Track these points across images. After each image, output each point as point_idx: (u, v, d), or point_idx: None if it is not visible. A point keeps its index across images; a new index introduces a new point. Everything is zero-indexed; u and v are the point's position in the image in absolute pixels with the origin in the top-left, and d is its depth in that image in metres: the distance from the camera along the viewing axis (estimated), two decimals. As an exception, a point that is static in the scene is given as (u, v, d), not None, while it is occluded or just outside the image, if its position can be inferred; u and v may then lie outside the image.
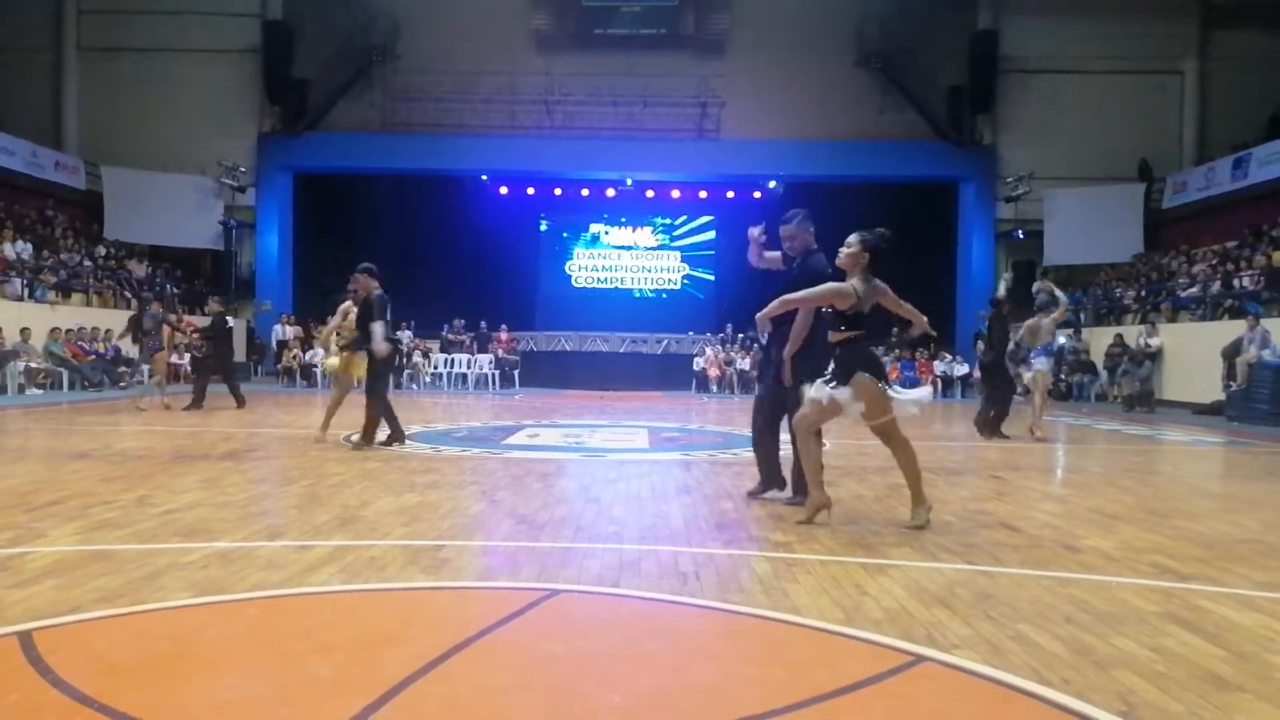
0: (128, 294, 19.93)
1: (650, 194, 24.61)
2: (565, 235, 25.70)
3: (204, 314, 14.16)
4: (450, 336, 21.36)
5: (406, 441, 8.34)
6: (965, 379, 19.97)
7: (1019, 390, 10.92)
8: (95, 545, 4.12)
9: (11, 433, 9.58)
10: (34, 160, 20.11)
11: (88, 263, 19.59)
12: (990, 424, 10.31)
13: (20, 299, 16.42)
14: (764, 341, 5.66)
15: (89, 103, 22.62)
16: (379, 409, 8.14)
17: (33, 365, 15.18)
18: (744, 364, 20.53)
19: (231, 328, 13.38)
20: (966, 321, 22.10)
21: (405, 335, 20.21)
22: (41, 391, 15.05)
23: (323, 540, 4.33)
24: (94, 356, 16.71)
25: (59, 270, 18.16)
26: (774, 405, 5.63)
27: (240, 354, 22.13)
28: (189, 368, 16.30)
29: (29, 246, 17.78)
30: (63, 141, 22.14)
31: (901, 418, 4.81)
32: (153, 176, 21.87)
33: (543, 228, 25.61)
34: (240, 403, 12.67)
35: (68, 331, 16.39)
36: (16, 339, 15.15)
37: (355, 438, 8.35)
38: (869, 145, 22.41)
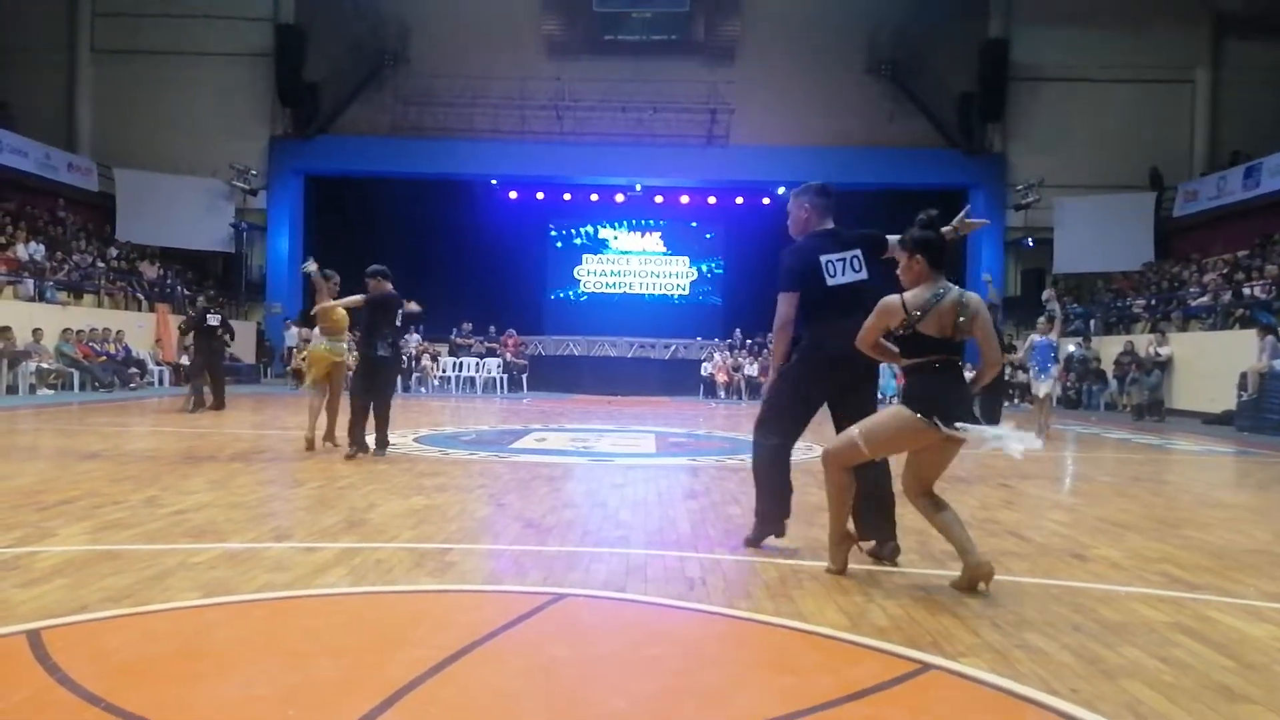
0: (139, 295, 20.04)
1: (659, 199, 24.65)
2: (574, 240, 25.74)
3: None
4: (459, 340, 21.41)
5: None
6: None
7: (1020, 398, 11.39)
8: (104, 545, 4.14)
9: (22, 432, 9.63)
10: (47, 162, 20.25)
11: (99, 264, 19.70)
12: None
13: (32, 300, 16.51)
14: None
15: (102, 105, 22.79)
16: (383, 410, 8.04)
17: (44, 366, 15.26)
18: (752, 370, 20.50)
19: (212, 324, 12.95)
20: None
21: (414, 338, 20.24)
22: (52, 392, 15.12)
23: (330, 542, 4.34)
24: (105, 357, 16.79)
25: (71, 271, 18.26)
26: None
27: (250, 356, 22.28)
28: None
29: (41, 247, 17.89)
30: (76, 143, 22.31)
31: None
32: (164, 179, 22.00)
33: (552, 233, 25.66)
34: (220, 403, 12.51)
35: (79, 332, 16.48)
36: (28, 339, 15.24)
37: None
38: (879, 152, 22.41)
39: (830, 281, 4.18)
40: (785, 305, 4.21)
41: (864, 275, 4.24)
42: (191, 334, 13.49)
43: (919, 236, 3.74)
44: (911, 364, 3.72)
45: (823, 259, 4.19)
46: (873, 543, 4.21)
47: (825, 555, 4.31)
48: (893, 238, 4.33)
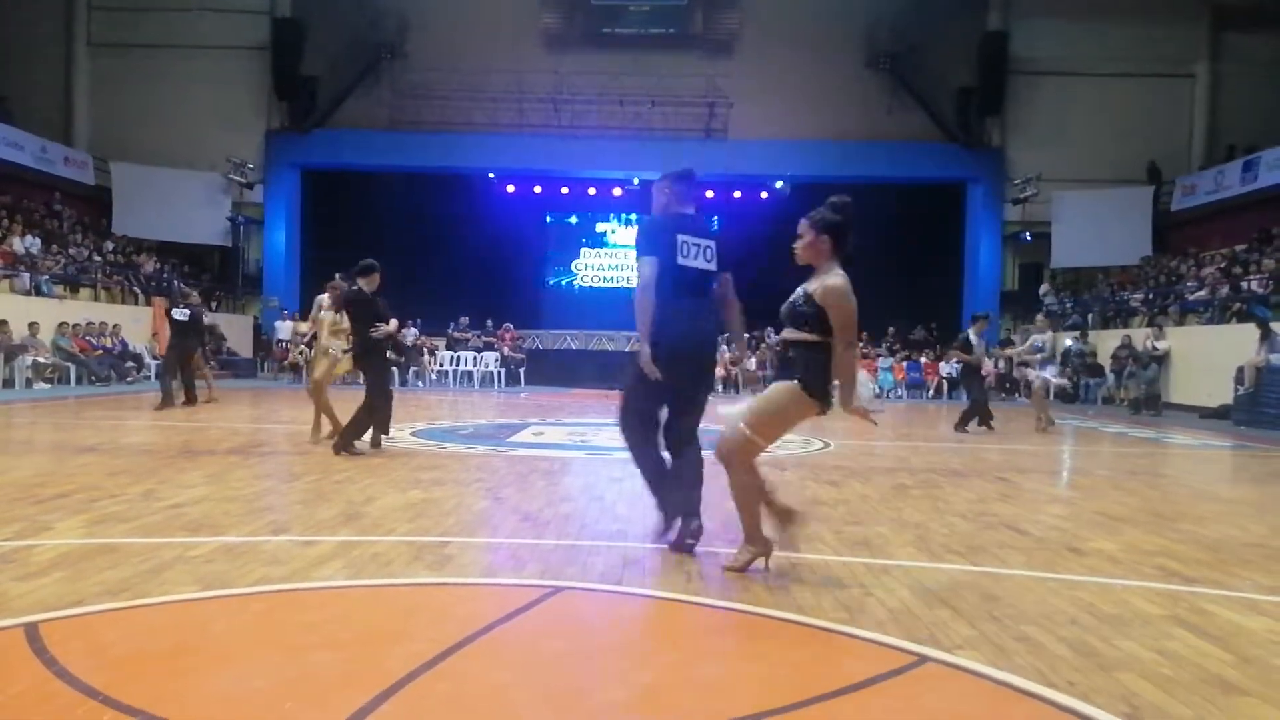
0: (136, 289, 20.01)
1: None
2: (572, 234, 25.70)
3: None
4: (456, 334, 21.39)
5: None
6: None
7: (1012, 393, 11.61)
8: (101, 539, 4.14)
9: (19, 426, 9.61)
10: (43, 155, 20.19)
11: (96, 258, 19.66)
12: (964, 418, 11.32)
13: (29, 293, 16.48)
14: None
15: (98, 98, 22.71)
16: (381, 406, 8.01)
17: (40, 360, 15.23)
18: (749, 363, 20.49)
19: (179, 319, 12.12)
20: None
21: (411, 332, 20.21)
22: (49, 386, 15.09)
23: (327, 536, 4.34)
24: (101, 351, 16.77)
25: (67, 265, 18.23)
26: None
27: (247, 350, 22.26)
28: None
29: (38, 241, 17.85)
30: (72, 136, 22.23)
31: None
32: (161, 172, 21.94)
33: (549, 226, 25.62)
34: (165, 403, 11.53)
35: (75, 326, 16.45)
36: (25, 333, 15.20)
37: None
38: (877, 146, 22.37)
39: (680, 260, 4.17)
40: (648, 268, 4.15)
41: (713, 267, 4.28)
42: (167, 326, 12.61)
43: (830, 218, 3.78)
44: (818, 341, 3.66)
45: (679, 237, 4.20)
46: (679, 522, 4.18)
47: (825, 549, 4.32)
48: (729, 294, 4.34)
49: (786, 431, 3.82)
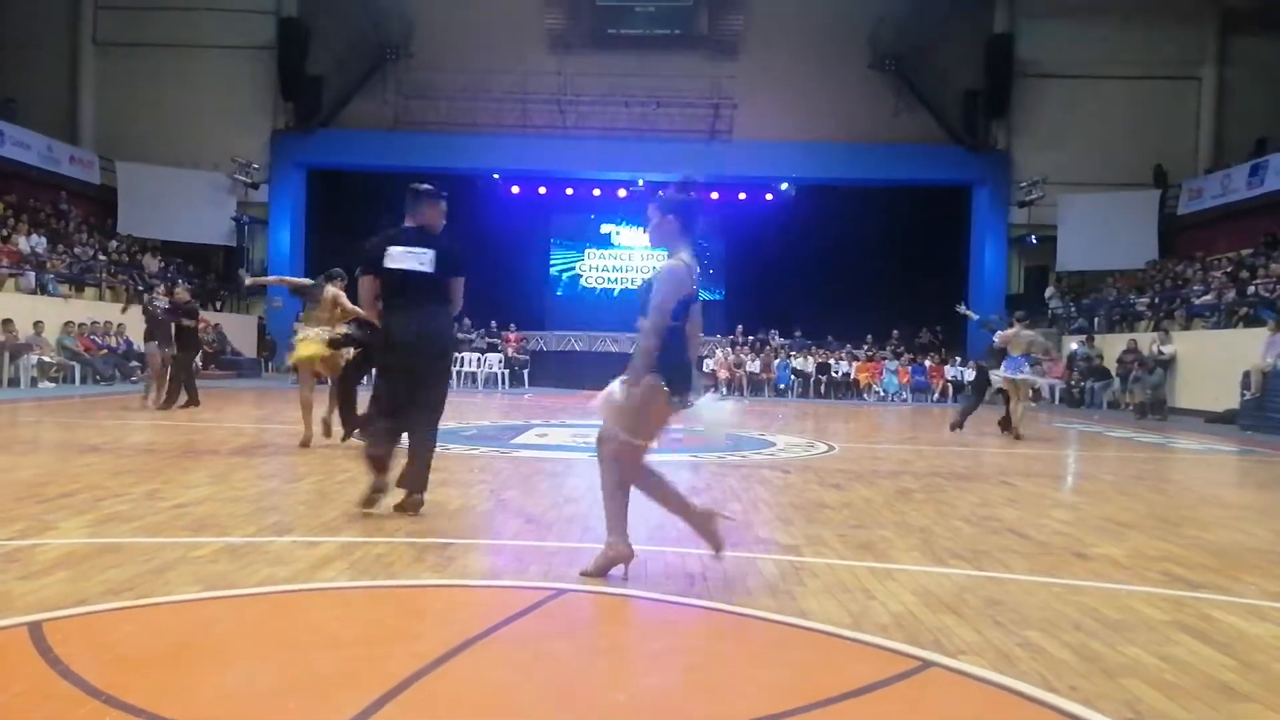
0: (141, 289, 20.04)
1: (662, 195, 24.57)
2: (577, 235, 25.71)
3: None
4: (459, 335, 21.42)
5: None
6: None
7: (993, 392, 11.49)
8: (105, 538, 4.14)
9: (23, 425, 9.64)
10: (49, 154, 20.25)
11: (101, 257, 19.70)
12: (959, 419, 11.33)
13: (34, 292, 16.52)
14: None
15: (104, 97, 22.75)
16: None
17: (45, 359, 15.27)
18: (754, 366, 20.54)
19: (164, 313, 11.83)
20: (977, 326, 22.05)
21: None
22: (54, 385, 15.13)
23: (331, 536, 4.34)
24: (106, 351, 16.80)
25: (72, 264, 18.27)
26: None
27: (251, 350, 22.29)
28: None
29: (43, 240, 17.90)
30: (78, 136, 22.28)
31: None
32: (166, 172, 21.98)
33: (554, 228, 25.64)
34: (192, 399, 11.52)
35: (80, 325, 16.48)
36: (30, 332, 15.24)
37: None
38: (882, 148, 22.31)
39: (388, 264, 4.71)
40: (367, 286, 4.83)
41: (428, 269, 4.78)
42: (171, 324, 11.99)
43: (675, 198, 3.82)
44: (670, 326, 3.55)
45: (389, 249, 4.74)
46: (405, 493, 4.83)
47: (828, 552, 4.32)
48: (458, 289, 4.94)
49: (662, 426, 3.72)
